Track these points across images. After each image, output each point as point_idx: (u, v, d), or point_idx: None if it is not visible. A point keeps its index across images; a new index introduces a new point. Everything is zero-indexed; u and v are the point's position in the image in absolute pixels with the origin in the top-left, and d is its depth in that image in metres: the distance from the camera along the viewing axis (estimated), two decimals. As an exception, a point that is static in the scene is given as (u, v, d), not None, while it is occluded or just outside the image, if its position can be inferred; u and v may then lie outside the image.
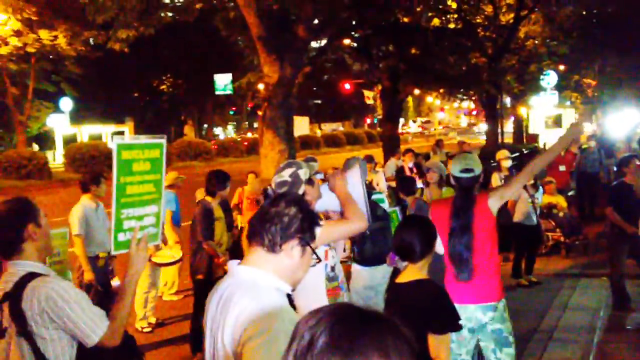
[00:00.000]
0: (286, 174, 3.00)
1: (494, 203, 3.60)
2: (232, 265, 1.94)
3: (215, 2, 13.18)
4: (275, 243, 1.85)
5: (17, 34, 22.38)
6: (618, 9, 23.70)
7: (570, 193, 10.74)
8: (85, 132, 33.20)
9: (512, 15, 21.58)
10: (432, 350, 2.68)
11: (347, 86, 46.37)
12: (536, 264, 7.63)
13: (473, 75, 18.77)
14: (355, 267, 4.99)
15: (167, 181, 6.34)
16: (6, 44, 22.45)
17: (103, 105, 38.45)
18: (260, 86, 11.44)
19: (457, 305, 3.51)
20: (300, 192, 2.96)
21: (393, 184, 7.40)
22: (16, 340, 2.20)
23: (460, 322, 3.54)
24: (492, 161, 9.29)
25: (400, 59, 16.74)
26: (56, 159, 31.26)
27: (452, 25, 19.33)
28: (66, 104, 32.01)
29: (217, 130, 55.37)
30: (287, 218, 1.87)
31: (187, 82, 42.24)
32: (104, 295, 5.10)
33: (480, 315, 3.57)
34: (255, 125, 48.26)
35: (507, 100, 32.26)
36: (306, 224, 1.90)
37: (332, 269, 3.11)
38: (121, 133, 31.79)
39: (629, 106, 24.05)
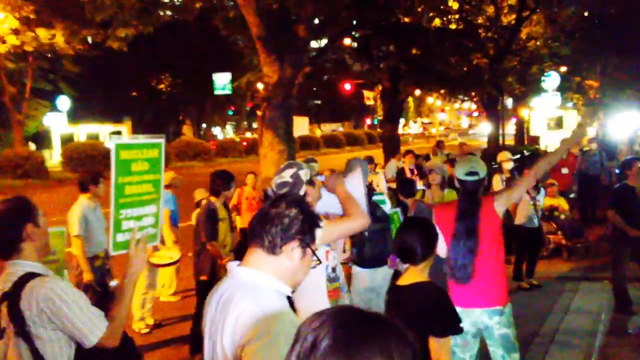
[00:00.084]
0: (287, 175, 2.98)
1: (500, 206, 3.59)
2: (232, 266, 1.93)
3: (215, 2, 13.15)
4: (276, 244, 1.84)
5: (15, 32, 22.33)
6: (620, 10, 23.70)
7: (571, 195, 10.72)
8: (83, 131, 33.15)
9: (513, 16, 21.57)
10: (433, 353, 2.67)
11: (347, 86, 46.39)
12: (537, 267, 7.60)
13: (474, 76, 18.74)
14: (356, 269, 4.98)
15: (165, 181, 6.29)
16: (4, 42, 22.40)
17: (101, 104, 38.43)
18: (260, 86, 11.40)
19: (462, 310, 3.49)
20: (302, 193, 2.96)
21: (394, 185, 7.36)
22: (14, 341, 2.20)
23: (465, 326, 3.53)
24: (493, 163, 9.25)
25: (401, 60, 16.71)
26: (53, 158, 31.21)
27: (453, 26, 19.30)
28: (64, 102, 31.98)
29: (216, 130, 55.35)
30: (287, 219, 1.86)
31: (186, 82, 42.22)
32: (101, 295, 5.06)
33: (486, 320, 3.55)
34: (255, 125, 48.32)
35: (509, 102, 32.25)
36: (307, 225, 1.89)
37: (333, 269, 3.09)
38: (119, 133, 31.78)
39: (631, 108, 24.04)
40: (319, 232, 1.97)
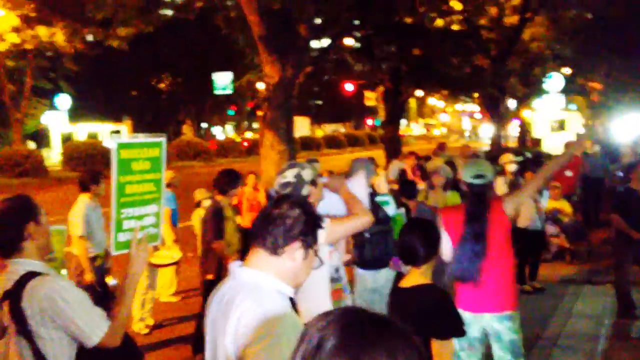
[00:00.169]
0: (290, 175, 2.98)
1: (509, 208, 3.57)
2: (234, 267, 1.93)
3: (216, 1, 13.14)
4: (278, 245, 1.85)
5: (15, 30, 22.31)
6: (624, 12, 23.64)
7: (575, 198, 10.69)
8: (83, 130, 33.13)
9: (516, 17, 21.55)
10: (435, 355, 2.66)
11: (349, 87, 46.36)
12: (540, 270, 7.57)
13: (476, 77, 18.75)
14: (359, 271, 4.95)
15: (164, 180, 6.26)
16: (3, 40, 22.38)
17: (101, 103, 38.44)
18: (261, 86, 11.39)
19: (472, 315, 3.50)
20: (304, 193, 2.94)
21: (396, 186, 7.32)
22: (15, 340, 2.20)
23: (473, 332, 3.48)
24: (495, 165, 9.19)
25: (402, 60, 16.72)
26: (52, 157, 31.20)
27: (455, 27, 19.29)
28: (64, 101, 31.96)
29: (216, 130, 55.38)
30: (290, 220, 1.86)
31: (186, 81, 42.24)
32: (101, 295, 5.04)
33: (497, 325, 3.53)
34: (255, 125, 48.43)
35: (511, 104, 32.21)
36: (309, 226, 1.89)
37: (336, 270, 3.07)
38: (118, 132, 31.79)
39: (635, 111, 23.99)
40: (321, 233, 1.97)
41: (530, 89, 26.91)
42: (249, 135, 44.98)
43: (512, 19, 22.39)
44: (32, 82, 26.41)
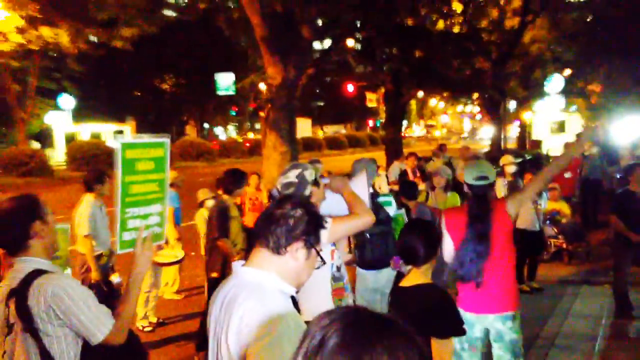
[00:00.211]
0: (292, 175, 3.01)
1: (512, 209, 3.56)
2: (237, 266, 1.94)
3: (219, 2, 13.19)
4: (280, 245, 1.86)
5: (20, 30, 22.38)
6: (624, 14, 23.64)
7: (574, 199, 10.72)
8: (86, 130, 33.20)
9: (517, 19, 21.58)
10: (435, 355, 2.66)
11: (350, 88, 46.33)
12: (538, 271, 7.60)
13: (477, 79, 18.78)
14: (360, 270, 4.98)
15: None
16: (8, 40, 22.45)
17: (104, 103, 38.49)
18: (263, 87, 11.43)
19: (474, 316, 3.50)
20: (307, 193, 2.97)
21: (396, 187, 7.39)
22: (22, 337, 2.20)
23: (476, 332, 3.49)
24: (495, 166, 9.23)
25: (403, 62, 16.74)
26: (56, 156, 31.26)
27: (456, 29, 19.33)
28: (68, 101, 32.02)
29: (218, 131, 55.42)
30: (292, 220, 1.87)
31: (189, 82, 42.28)
32: (106, 293, 5.10)
33: (499, 326, 3.52)
34: (257, 126, 48.42)
35: (511, 105, 32.23)
36: (312, 226, 1.90)
37: (338, 269, 3.11)
38: (121, 132, 31.81)
39: (634, 113, 23.99)
40: (323, 233, 1.98)
41: (530, 91, 26.92)
42: (251, 136, 45.02)
43: (512, 22, 22.44)
44: (36, 82, 26.47)
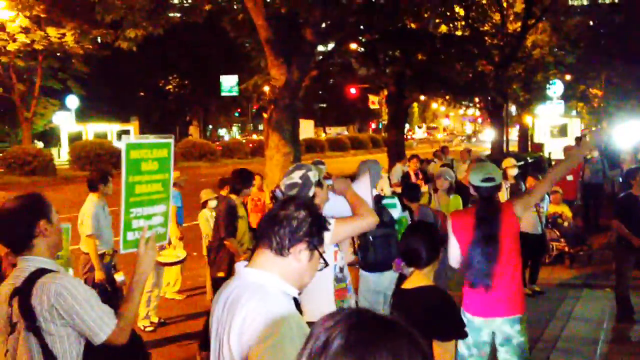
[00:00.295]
0: (296, 176, 3.02)
1: (520, 211, 3.54)
2: (240, 266, 1.94)
3: (224, 4, 13.22)
4: (284, 246, 1.85)
5: (25, 30, 22.48)
6: (625, 19, 23.70)
7: (577, 203, 10.73)
8: (91, 130, 33.31)
9: (519, 23, 21.61)
10: (436, 357, 2.67)
11: (353, 90, 46.39)
12: (540, 274, 7.60)
13: (479, 82, 18.79)
14: (363, 272, 4.98)
15: (170, 179, 6.35)
16: (14, 40, 22.56)
17: (109, 103, 38.60)
18: (266, 88, 11.47)
19: (482, 319, 3.47)
20: (311, 194, 2.98)
21: (399, 189, 7.41)
22: (24, 336, 2.20)
23: (483, 336, 3.46)
24: (497, 169, 9.23)
25: (406, 65, 16.76)
26: (61, 156, 31.36)
27: (459, 33, 19.36)
28: (72, 101, 32.13)
29: (222, 132, 55.56)
30: (296, 221, 1.87)
31: (193, 83, 42.39)
32: (110, 292, 5.12)
33: (507, 329, 3.49)
34: (260, 127, 48.52)
35: (513, 109, 32.26)
36: (315, 228, 1.90)
37: (341, 270, 3.12)
38: (126, 132, 31.89)
39: (636, 117, 23.99)
40: (327, 235, 1.98)
41: (532, 94, 26.93)
42: (254, 137, 45.10)
43: (515, 26, 22.46)
44: (41, 82, 26.58)
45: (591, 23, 26.43)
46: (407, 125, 47.35)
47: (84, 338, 2.23)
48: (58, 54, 25.33)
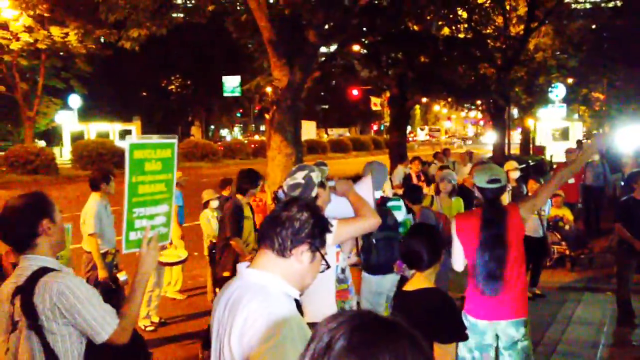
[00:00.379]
0: (299, 177, 3.03)
1: (526, 214, 3.52)
2: (241, 267, 1.94)
3: (227, 5, 13.23)
4: (286, 247, 1.85)
5: (29, 29, 22.54)
6: (628, 23, 23.73)
7: (579, 206, 10.73)
8: (93, 129, 33.36)
9: (522, 27, 21.63)
10: (437, 359, 2.67)
11: (355, 92, 46.47)
12: (541, 277, 7.60)
13: (482, 85, 18.79)
14: (365, 274, 4.99)
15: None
16: (17, 39, 22.62)
17: (111, 103, 38.69)
18: (269, 89, 11.48)
19: (487, 322, 3.44)
20: (313, 194, 2.99)
21: (401, 191, 7.42)
22: (26, 334, 2.20)
23: (488, 339, 3.45)
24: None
25: (409, 67, 16.76)
26: (63, 155, 31.41)
27: (462, 35, 19.36)
28: (75, 101, 32.20)
29: (224, 132, 55.64)
30: (298, 223, 1.87)
31: (196, 83, 42.47)
32: (112, 291, 5.13)
33: (512, 332, 3.46)
34: (262, 128, 48.56)
35: (515, 112, 32.28)
36: (317, 229, 1.90)
37: (343, 271, 3.13)
38: (128, 132, 31.96)
39: (637, 121, 24.00)
40: (329, 237, 1.98)
41: (534, 97, 26.94)
42: (256, 137, 45.15)
43: (517, 29, 22.47)
44: (44, 81, 26.63)
45: (594, 27, 26.43)
46: (409, 128, 47.37)
47: (86, 337, 2.24)
48: (61, 53, 25.40)
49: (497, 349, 3.60)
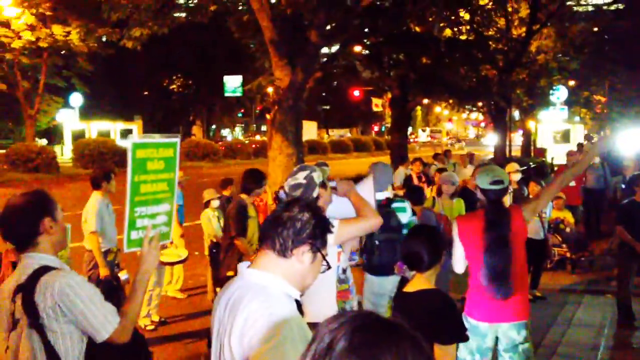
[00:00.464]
0: (301, 177, 3.04)
1: (528, 216, 3.52)
2: (242, 267, 1.94)
3: (229, 5, 13.25)
4: (287, 247, 1.85)
5: (31, 28, 22.57)
6: (630, 26, 23.73)
7: (581, 208, 10.73)
8: (94, 128, 33.39)
9: (524, 29, 21.63)
10: (437, 360, 2.67)
11: (357, 93, 46.51)
12: (541, 279, 7.60)
13: (483, 87, 18.80)
14: (367, 275, 4.99)
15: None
16: (19, 37, 22.64)
17: (113, 102, 38.73)
18: (270, 89, 11.48)
19: (488, 325, 3.44)
20: (315, 194, 2.99)
21: (401, 192, 7.42)
22: (27, 333, 2.20)
23: (488, 341, 3.44)
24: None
25: (410, 68, 16.77)
26: (64, 153, 31.43)
27: (463, 37, 19.38)
28: (76, 99, 32.23)
29: (225, 132, 55.68)
30: (299, 223, 1.86)
31: (197, 83, 42.51)
32: (114, 289, 5.14)
33: (514, 335, 3.46)
34: (263, 128, 48.65)
35: (516, 114, 32.29)
36: (318, 230, 1.90)
37: (344, 271, 3.13)
38: (130, 131, 32.00)
39: (639, 124, 23.99)
40: (330, 237, 1.98)
41: (536, 100, 26.94)
42: (257, 137, 45.20)
43: (519, 31, 22.47)
44: (46, 79, 26.66)
45: (596, 29, 26.42)
46: (410, 129, 47.40)
47: (87, 336, 2.24)
48: (63, 52, 25.44)
49: (495, 351, 3.59)
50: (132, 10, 11.12)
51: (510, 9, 22.35)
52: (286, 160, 10.37)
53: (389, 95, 20.70)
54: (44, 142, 33.36)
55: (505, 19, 21.76)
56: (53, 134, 36.56)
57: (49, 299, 2.16)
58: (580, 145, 16.08)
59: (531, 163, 18.64)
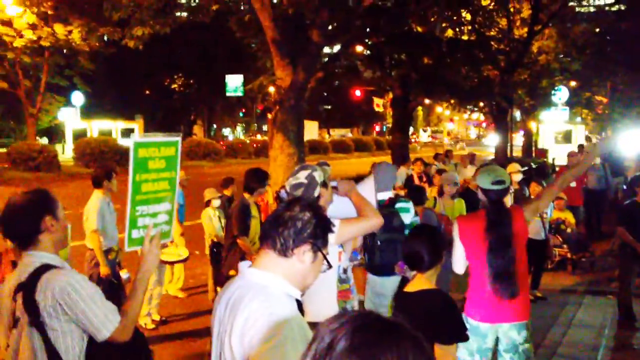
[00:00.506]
0: (302, 176, 3.04)
1: (530, 216, 3.52)
2: (243, 267, 1.94)
3: (231, 4, 13.26)
4: (288, 247, 1.85)
5: (32, 27, 22.56)
6: (632, 27, 23.68)
7: (582, 209, 10.73)
8: (96, 127, 33.41)
9: (525, 29, 21.63)
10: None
11: (358, 93, 46.49)
12: (542, 279, 7.60)
13: (485, 87, 18.81)
14: (369, 274, 4.99)
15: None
16: (21, 36, 22.64)
17: (114, 101, 38.74)
18: (272, 89, 11.49)
19: (489, 325, 3.43)
20: (316, 194, 3.00)
21: (402, 192, 7.42)
22: (27, 331, 2.21)
23: (489, 342, 3.44)
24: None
25: (412, 68, 16.78)
26: (65, 152, 31.45)
27: (465, 37, 19.38)
28: (77, 98, 32.25)
29: (226, 131, 55.70)
30: (300, 222, 1.86)
31: (199, 82, 42.51)
32: (115, 287, 5.14)
33: (514, 335, 3.45)
34: (264, 127, 48.68)
35: (517, 114, 32.28)
36: (319, 229, 1.89)
37: (345, 271, 3.13)
38: (131, 130, 32.02)
39: (640, 125, 23.96)
40: (331, 237, 1.98)
41: (537, 100, 26.93)
42: (258, 137, 45.21)
43: (521, 32, 22.48)
44: (47, 78, 26.67)
45: (597, 30, 26.41)
46: (411, 129, 47.37)
47: (87, 334, 2.24)
48: (64, 51, 25.43)
49: (495, 351, 3.59)
50: (134, 9, 11.13)
51: (512, 10, 22.36)
52: (287, 159, 10.37)
53: (391, 95, 20.72)
54: (45, 141, 33.36)
55: (507, 20, 21.77)
56: (54, 133, 36.57)
57: (50, 298, 2.16)
58: (581, 147, 16.08)
59: (532, 163, 18.62)
